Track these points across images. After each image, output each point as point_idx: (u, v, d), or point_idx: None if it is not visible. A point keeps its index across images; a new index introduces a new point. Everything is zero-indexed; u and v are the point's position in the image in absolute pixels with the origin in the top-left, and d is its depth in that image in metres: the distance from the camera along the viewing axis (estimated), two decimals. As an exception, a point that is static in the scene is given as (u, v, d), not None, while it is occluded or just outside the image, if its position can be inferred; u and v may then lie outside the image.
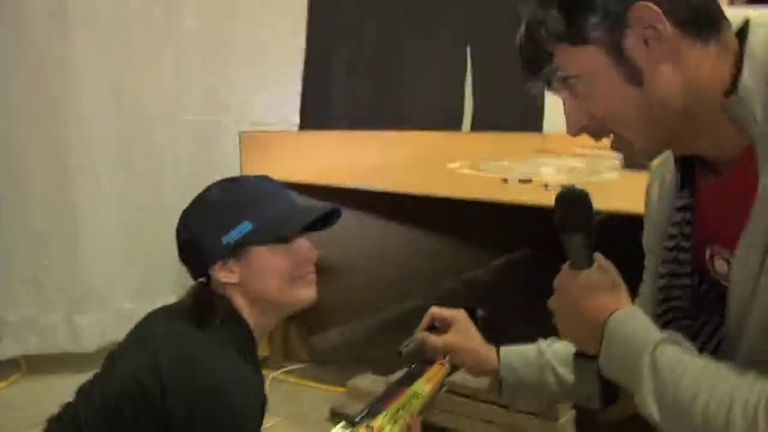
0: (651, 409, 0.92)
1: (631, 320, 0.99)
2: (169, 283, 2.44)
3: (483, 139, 4.20)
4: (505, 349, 1.39)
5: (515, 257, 3.95)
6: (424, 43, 3.81)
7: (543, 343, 1.36)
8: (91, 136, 2.25)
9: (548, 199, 1.07)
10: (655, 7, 0.89)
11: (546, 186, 2.12)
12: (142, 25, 2.36)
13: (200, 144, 2.58)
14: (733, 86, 0.92)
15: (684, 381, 0.91)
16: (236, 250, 1.27)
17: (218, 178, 2.42)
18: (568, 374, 1.31)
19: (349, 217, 2.50)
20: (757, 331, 0.92)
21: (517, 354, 1.39)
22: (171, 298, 2.13)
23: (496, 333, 2.32)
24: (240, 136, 2.40)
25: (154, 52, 2.41)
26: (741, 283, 0.95)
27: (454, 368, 1.92)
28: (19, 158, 2.16)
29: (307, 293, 1.34)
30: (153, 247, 2.45)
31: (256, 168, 2.30)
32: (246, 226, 1.27)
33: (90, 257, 2.32)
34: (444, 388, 1.91)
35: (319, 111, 3.11)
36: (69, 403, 1.26)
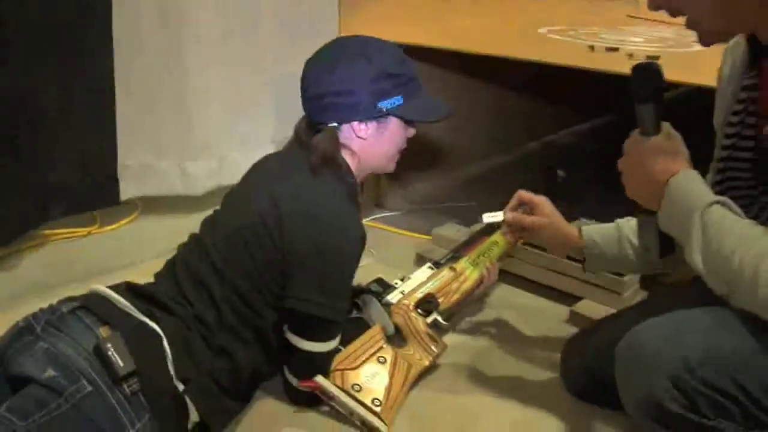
0: (696, 260, 1.06)
1: (689, 182, 1.10)
2: (267, 135, 2.55)
3: (577, 5, 4.11)
4: (586, 227, 1.54)
5: (598, 123, 3.95)
6: None
7: (621, 221, 1.50)
8: (195, 4, 2.32)
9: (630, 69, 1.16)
10: None
11: (630, 56, 2.13)
12: None
13: (297, 3, 2.60)
14: None
15: (726, 237, 1.02)
16: (382, 115, 1.42)
17: (317, 37, 2.53)
18: None
19: (438, 78, 2.60)
20: None
21: (597, 230, 1.54)
22: (270, 148, 2.32)
23: (573, 192, 2.44)
24: None
25: None
26: None
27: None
28: (137, 22, 2.24)
29: (393, 167, 1.58)
30: (254, 103, 2.54)
31: (354, 28, 2.38)
32: (399, 100, 1.43)
33: (197, 111, 2.42)
34: (521, 240, 2.06)
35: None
36: (195, 234, 1.46)
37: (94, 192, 2.30)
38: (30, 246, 2.22)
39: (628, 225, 1.50)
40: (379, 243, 2.38)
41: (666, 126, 1.16)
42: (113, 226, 2.42)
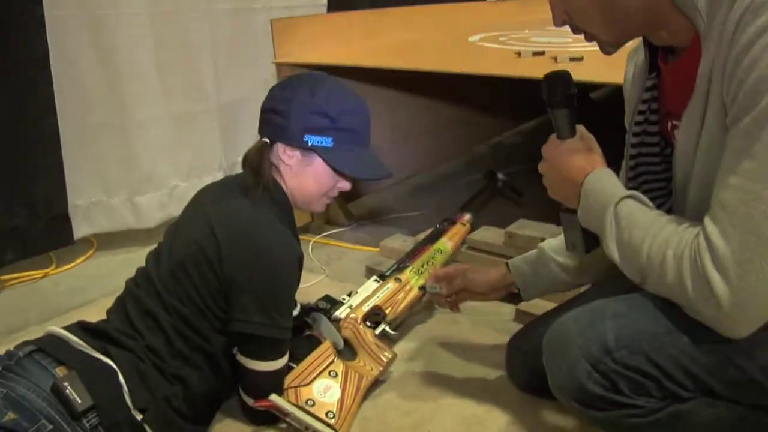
0: (613, 251, 1.14)
1: (603, 179, 1.18)
2: (215, 163, 2.63)
3: (509, 8, 4.19)
4: (512, 260, 1.65)
5: (543, 120, 4.04)
6: None
7: (542, 243, 1.60)
8: (133, 36, 2.37)
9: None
10: None
11: (555, 59, 2.22)
12: None
13: (234, 31, 2.69)
14: None
15: (636, 229, 1.10)
16: (307, 149, 1.47)
17: (253, 65, 2.59)
18: (568, 261, 1.54)
19: (378, 94, 2.67)
20: (697, 184, 1.11)
21: (522, 259, 1.64)
22: (219, 175, 2.39)
23: (517, 192, 2.52)
24: (271, 23, 2.50)
25: None
26: (684, 148, 1.14)
27: (473, 227, 2.13)
28: (75, 66, 2.29)
29: (319, 209, 1.63)
30: (198, 132, 2.62)
31: (288, 52, 2.46)
32: (327, 142, 1.47)
33: (142, 145, 2.49)
34: (465, 245, 2.14)
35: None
36: (141, 268, 1.52)
37: (47, 234, 2.35)
38: (-14, 291, 2.25)
39: (548, 246, 1.59)
40: (330, 259, 2.46)
41: (580, 128, 1.25)
42: (70, 266, 2.47)
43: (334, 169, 1.50)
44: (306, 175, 1.52)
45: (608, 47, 1.21)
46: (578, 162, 1.21)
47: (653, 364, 1.10)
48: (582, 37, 1.21)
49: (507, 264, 1.66)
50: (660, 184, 1.27)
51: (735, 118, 0.98)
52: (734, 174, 0.97)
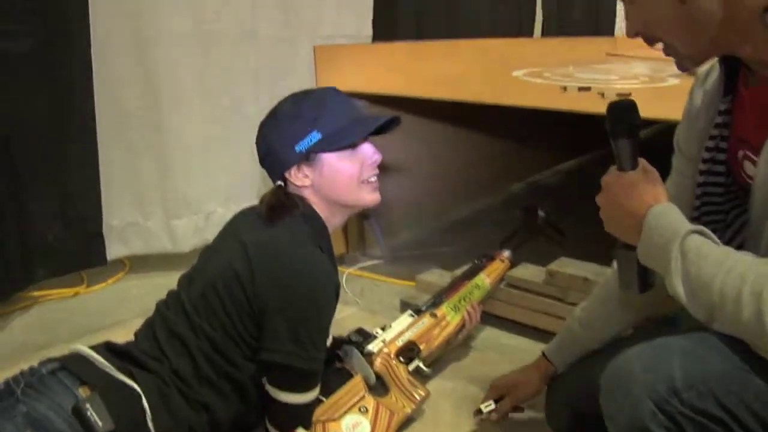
0: (678, 288, 1.06)
1: (667, 214, 1.12)
2: (253, 189, 2.59)
3: (553, 45, 4.17)
4: (546, 347, 1.62)
5: (580, 162, 3.99)
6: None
7: (574, 316, 1.57)
8: (177, 56, 2.38)
9: (603, 108, 1.19)
10: None
11: (602, 94, 2.17)
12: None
13: (277, 59, 2.67)
14: None
15: (706, 264, 1.03)
16: (308, 157, 1.44)
17: (295, 91, 2.59)
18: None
19: (418, 125, 2.64)
20: None
21: (555, 342, 1.61)
22: (255, 202, 2.36)
23: (557, 230, 2.46)
24: (314, 51, 2.50)
25: None
26: (763, 181, 1.07)
27: (513, 264, 2.08)
28: (116, 84, 2.29)
29: (371, 197, 1.53)
30: (237, 157, 2.60)
31: (330, 81, 2.44)
32: (315, 136, 1.44)
33: (181, 169, 2.49)
34: (504, 282, 2.08)
35: (389, 24, 3.18)
36: (172, 290, 1.48)
37: (80, 252, 2.34)
38: (17, 308, 2.25)
39: (575, 315, 1.57)
40: (364, 291, 2.42)
41: (642, 161, 1.19)
42: (101, 285, 2.46)
43: (342, 149, 1.46)
44: (328, 178, 1.47)
45: (686, 61, 1.15)
46: (641, 195, 1.14)
47: (723, 408, 1.01)
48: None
49: (542, 353, 1.62)
50: (719, 216, 1.21)
51: None
52: None
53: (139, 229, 2.48)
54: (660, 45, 1.15)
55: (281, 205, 1.45)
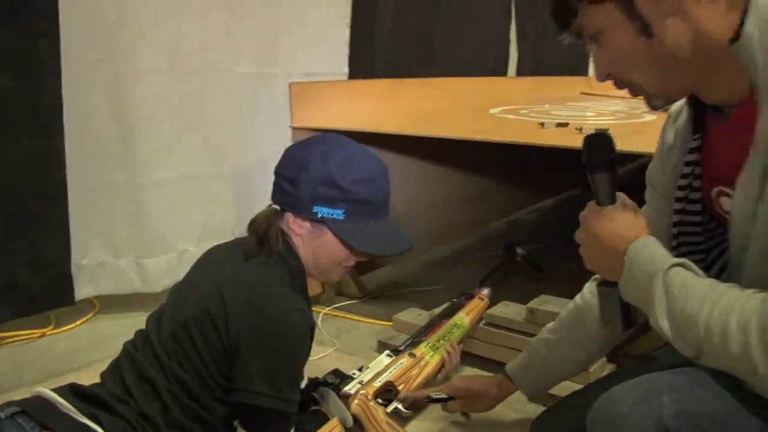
0: (663, 324, 1.04)
1: (648, 248, 1.10)
2: (227, 227, 2.57)
3: (528, 84, 4.22)
4: (509, 364, 1.66)
5: (560, 198, 4.00)
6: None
7: (539, 337, 1.61)
8: (151, 94, 2.35)
9: (581, 143, 1.18)
10: None
11: (580, 129, 2.18)
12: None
13: (252, 97, 2.66)
14: (737, 34, 1.01)
15: (690, 298, 1.01)
16: (317, 220, 1.40)
17: (271, 129, 2.58)
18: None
19: (396, 163, 2.63)
20: (756, 257, 1.02)
21: (519, 361, 1.65)
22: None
23: (537, 268, 2.44)
24: (290, 87, 2.49)
25: (207, 13, 2.50)
26: (741, 213, 1.05)
27: (492, 302, 2.06)
28: (88, 120, 2.27)
29: (336, 277, 1.56)
30: (211, 195, 2.58)
31: (306, 118, 2.44)
32: (339, 214, 1.38)
33: (152, 206, 2.45)
34: (483, 321, 2.06)
35: (366, 61, 3.18)
36: (141, 330, 1.43)
37: (47, 292, 2.29)
38: (-20, 349, 2.19)
39: (541, 337, 1.60)
40: (341, 332, 2.39)
41: (621, 195, 1.17)
42: (69, 327, 2.41)
43: (346, 243, 1.42)
44: (318, 247, 1.43)
45: (655, 100, 1.14)
46: (620, 230, 1.12)
47: None
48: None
49: (504, 371, 1.66)
50: (700, 256, 1.19)
51: None
52: None
53: (109, 268, 2.44)
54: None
55: (270, 234, 1.39)
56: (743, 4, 1.01)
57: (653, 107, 1.16)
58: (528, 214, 3.96)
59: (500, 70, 4.24)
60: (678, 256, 1.18)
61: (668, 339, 1.04)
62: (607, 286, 1.17)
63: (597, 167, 1.15)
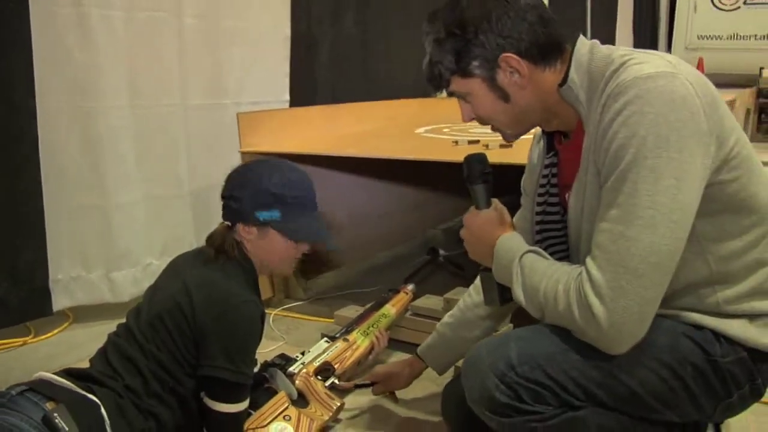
0: (519, 295, 1.37)
1: (511, 240, 1.42)
2: (186, 243, 2.85)
3: (452, 105, 4.48)
4: (421, 351, 1.92)
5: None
6: (396, 22, 4.18)
7: (442, 323, 1.88)
8: (115, 127, 2.64)
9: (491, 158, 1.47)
10: (515, 56, 1.33)
11: (487, 146, 2.49)
12: (149, 27, 2.75)
13: (206, 124, 2.98)
14: (565, 80, 1.36)
15: (535, 274, 1.34)
16: (261, 224, 1.71)
17: (223, 154, 2.86)
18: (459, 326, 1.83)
19: (339, 180, 2.92)
20: (587, 240, 1.34)
21: (428, 346, 1.91)
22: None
23: (458, 267, 2.73)
24: (237, 117, 2.76)
25: (161, 50, 2.80)
26: (575, 211, 1.38)
27: (416, 296, 2.38)
28: (62, 152, 2.54)
29: (287, 271, 1.87)
30: (171, 214, 2.88)
31: (253, 144, 2.71)
32: (276, 215, 1.70)
33: (120, 225, 2.73)
34: (409, 311, 2.38)
35: (305, 89, 3.51)
36: (122, 323, 1.73)
37: (27, 304, 2.55)
38: (-35, 359, 2.40)
39: (444, 322, 1.87)
40: (289, 329, 2.68)
41: (494, 201, 1.49)
42: (47, 335, 2.64)
43: (287, 237, 1.75)
44: (266, 246, 1.74)
45: (510, 137, 1.49)
46: (492, 228, 1.45)
47: (549, 376, 1.31)
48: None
49: (416, 353, 1.93)
50: (563, 246, 1.50)
51: (605, 179, 1.25)
52: (605, 221, 1.23)
53: (82, 281, 2.69)
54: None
55: (226, 245, 1.71)
56: (569, 59, 1.37)
57: (508, 140, 1.51)
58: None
59: (432, 92, 4.48)
60: (543, 246, 1.51)
61: (524, 306, 1.37)
62: (486, 271, 1.48)
63: (474, 180, 1.47)
